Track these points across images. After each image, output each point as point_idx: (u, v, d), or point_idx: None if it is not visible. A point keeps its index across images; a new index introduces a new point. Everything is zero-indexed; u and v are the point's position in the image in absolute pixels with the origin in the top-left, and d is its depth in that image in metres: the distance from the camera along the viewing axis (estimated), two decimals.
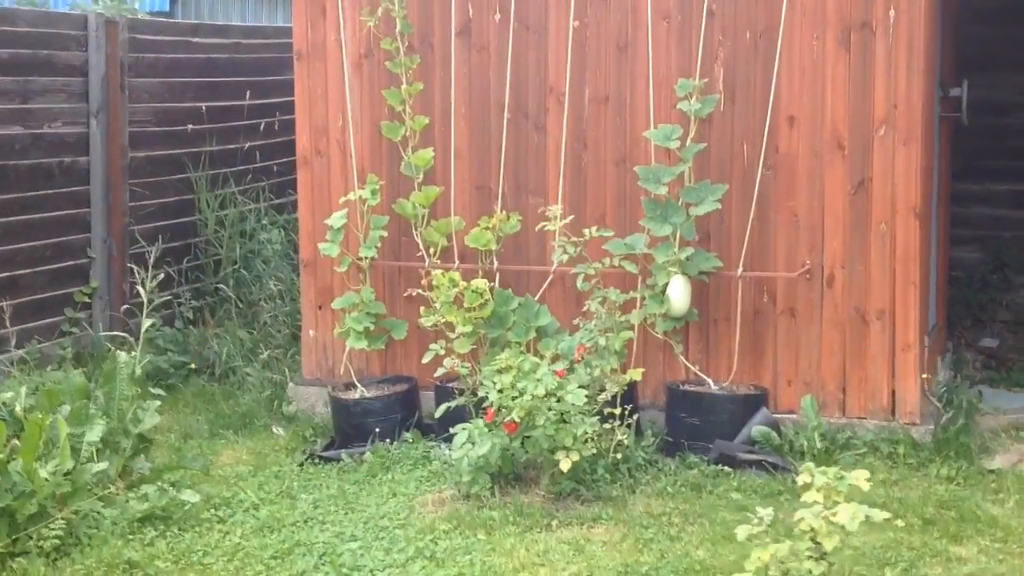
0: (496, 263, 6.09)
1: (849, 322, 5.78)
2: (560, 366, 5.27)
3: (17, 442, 4.65)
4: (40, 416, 4.56)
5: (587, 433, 4.80)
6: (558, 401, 4.84)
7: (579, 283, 5.55)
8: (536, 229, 5.78)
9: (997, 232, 8.49)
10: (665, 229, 5.59)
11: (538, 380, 4.82)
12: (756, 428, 5.51)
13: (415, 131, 6.13)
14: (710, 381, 5.78)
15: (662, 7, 5.92)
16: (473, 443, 4.88)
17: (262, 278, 7.76)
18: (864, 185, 5.71)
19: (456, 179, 6.31)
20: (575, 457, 4.75)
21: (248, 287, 7.77)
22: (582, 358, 5.38)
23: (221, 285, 7.64)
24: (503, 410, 4.86)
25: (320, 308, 6.63)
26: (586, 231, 5.61)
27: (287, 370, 6.94)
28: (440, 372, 5.58)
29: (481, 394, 5.16)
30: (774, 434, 5.50)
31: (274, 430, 6.42)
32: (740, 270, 5.74)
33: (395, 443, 5.85)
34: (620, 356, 5.37)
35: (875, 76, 5.66)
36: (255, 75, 8.47)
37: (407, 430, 5.93)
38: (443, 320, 5.74)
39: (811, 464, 3.49)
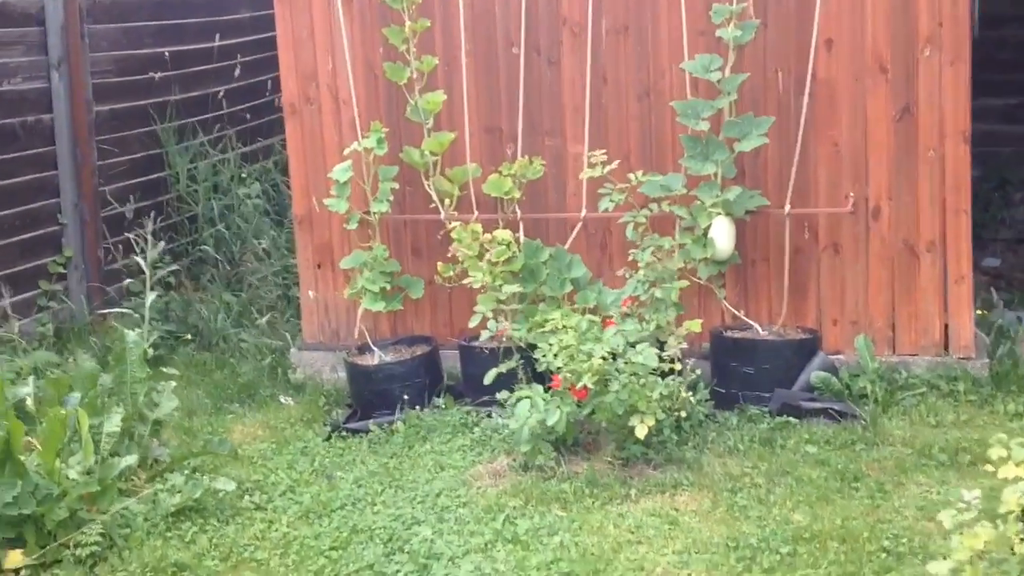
0: (519, 212, 5.67)
1: (897, 256, 5.49)
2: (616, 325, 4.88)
3: (32, 439, 4.16)
4: (59, 409, 4.06)
5: (663, 395, 4.44)
6: (626, 363, 4.48)
7: (628, 232, 5.15)
8: (580, 177, 5.34)
9: (994, 148, 8.30)
10: (708, 167, 5.22)
11: (601, 341, 4.44)
12: (815, 374, 5.21)
13: (422, 72, 5.64)
14: (757, 326, 5.46)
15: None
16: (536, 410, 4.50)
17: (243, 236, 7.24)
18: (909, 110, 5.39)
19: (463, 122, 5.86)
20: (651, 421, 4.39)
21: (228, 246, 7.25)
22: (631, 311, 5.01)
23: (205, 247, 7.08)
24: (569, 375, 4.48)
25: (319, 267, 6.16)
26: (631, 176, 5.20)
27: (287, 335, 6.48)
28: (486, 336, 5.16)
29: (539, 357, 4.76)
30: (833, 379, 5.21)
31: (282, 400, 5.97)
32: (788, 207, 5.39)
33: (425, 409, 5.45)
34: (678, 308, 5.01)
35: None
36: (213, 14, 7.86)
37: (437, 395, 5.53)
38: (466, 277, 5.33)
39: (1003, 436, 3.13)
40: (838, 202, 5.51)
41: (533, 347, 5.01)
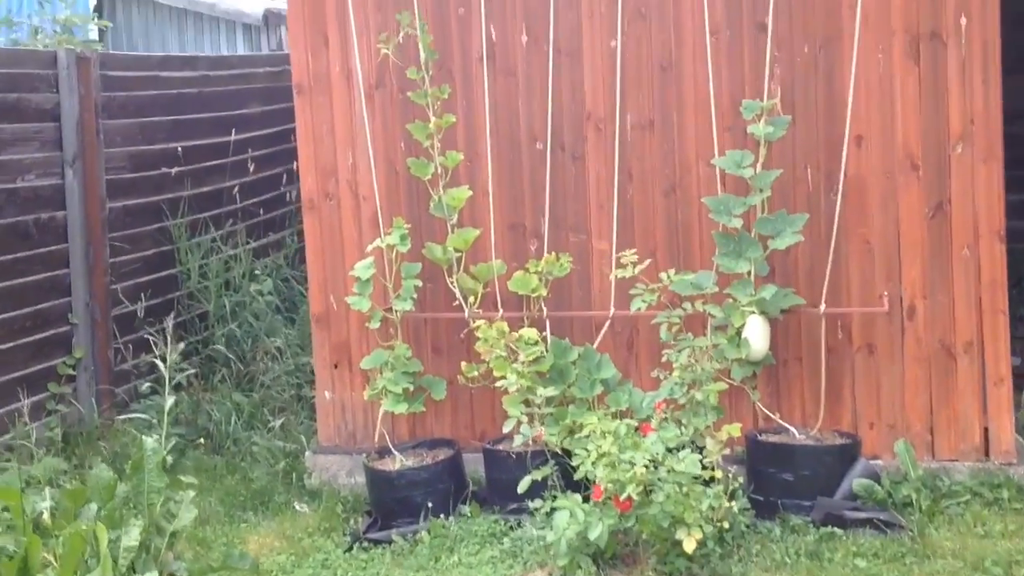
0: (545, 310, 5.53)
1: (934, 357, 5.35)
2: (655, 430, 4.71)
3: (47, 555, 3.95)
4: (79, 525, 3.86)
5: (712, 507, 4.26)
6: (669, 471, 4.30)
7: (663, 333, 5.00)
8: (610, 278, 5.20)
9: (1010, 244, 8.19)
10: (741, 265, 5.10)
11: (641, 448, 4.27)
12: (856, 481, 5.03)
13: (447, 168, 5.54)
14: (793, 429, 5.29)
15: (709, 21, 5.44)
16: (575, 522, 4.30)
17: (255, 334, 7.08)
18: (942, 208, 5.30)
19: (488, 219, 5.75)
20: (698, 535, 4.21)
21: (239, 345, 7.08)
22: (667, 414, 4.85)
23: (218, 346, 6.91)
24: (611, 485, 4.30)
25: (336, 367, 6.00)
26: (663, 275, 5.08)
27: (301, 437, 6.29)
28: (519, 440, 4.97)
29: (576, 465, 4.58)
30: (877, 487, 5.02)
31: (297, 507, 5.76)
32: (823, 306, 5.26)
33: (450, 517, 5.24)
34: (718, 412, 4.85)
35: (949, 89, 5.25)
36: (226, 109, 7.80)
37: (462, 502, 5.33)
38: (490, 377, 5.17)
39: None
40: (871, 301, 5.39)
41: (567, 453, 4.83)
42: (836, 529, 4.84)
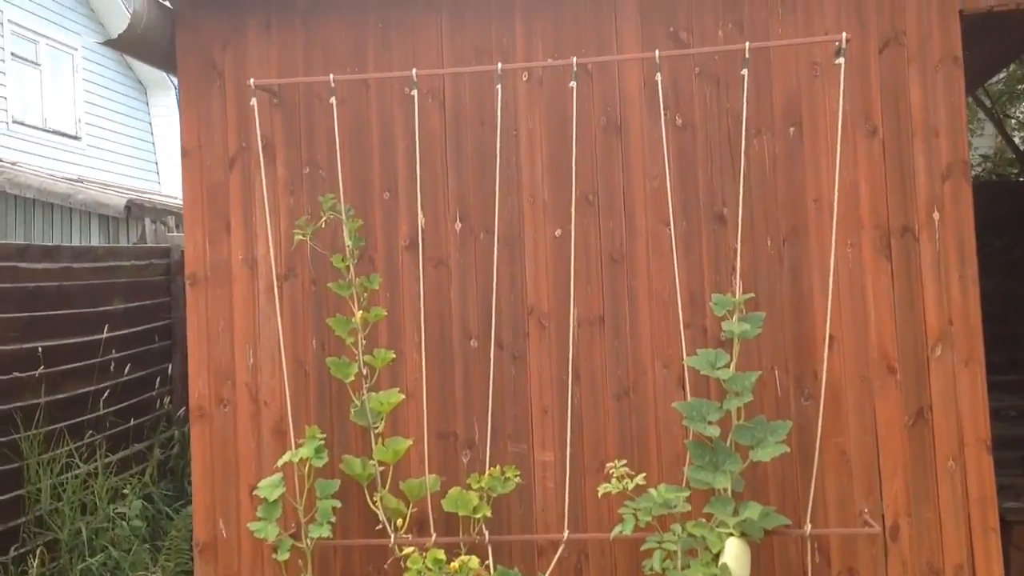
0: (487, 533, 4.74)
1: None
2: None
3: None
4: None
5: None
6: None
7: (656, 563, 4.25)
8: (599, 494, 4.44)
9: None
10: (720, 480, 4.45)
11: None
12: None
13: (373, 368, 4.80)
14: None
15: (663, 212, 4.97)
16: None
17: (117, 566, 5.99)
18: (923, 415, 4.82)
19: (412, 426, 5.00)
20: None
21: None
22: None
23: None
24: None
25: None
26: (653, 491, 4.36)
27: None
28: None
29: None
30: None
31: None
32: (808, 527, 4.64)
33: None
34: None
35: (924, 286, 4.86)
36: (88, 305, 6.90)
37: None
38: None
39: None
40: (849, 519, 4.81)
41: None
42: None
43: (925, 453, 4.81)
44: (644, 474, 4.31)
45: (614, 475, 4.21)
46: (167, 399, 7.28)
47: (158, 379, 7.26)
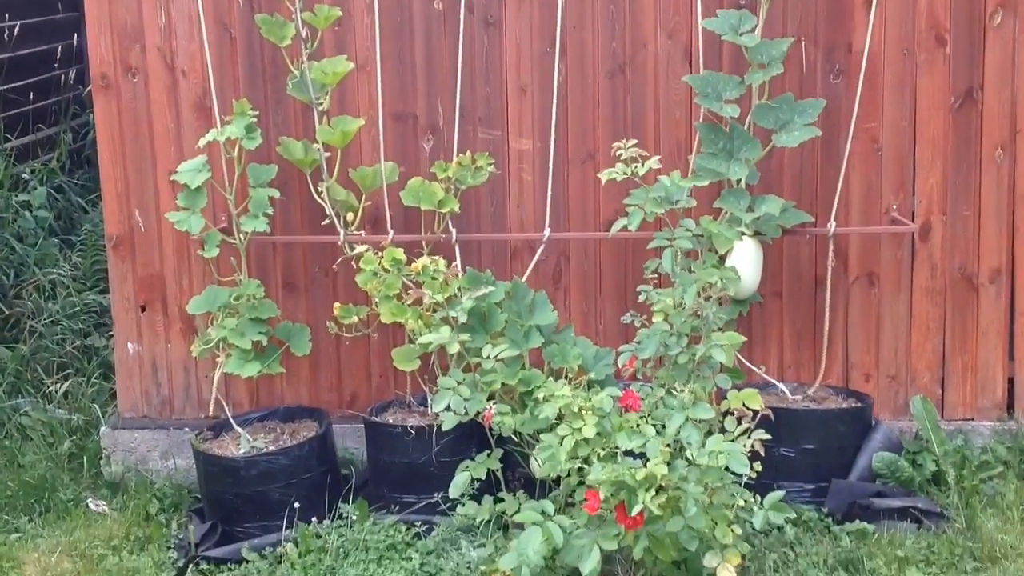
0: (454, 232, 4.00)
1: (951, 288, 4.17)
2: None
3: None
4: None
5: (764, 521, 2.89)
6: (693, 466, 2.90)
7: (667, 263, 3.52)
8: (602, 181, 3.58)
9: None
10: (735, 170, 3.70)
11: (661, 435, 2.85)
12: (878, 456, 3.80)
13: (315, 29, 3.89)
14: (784, 388, 4.00)
15: None
16: (550, 544, 2.86)
17: (21, 261, 5.23)
18: (972, 96, 4.07)
19: (363, 105, 4.17)
20: (736, 559, 2.85)
21: None
22: (640, 377, 3.45)
23: None
24: (611, 492, 2.86)
25: (144, 309, 4.33)
26: (664, 179, 3.55)
27: (95, 407, 4.58)
28: (451, 422, 3.41)
29: (541, 458, 3.11)
30: (902, 462, 3.80)
31: (92, 506, 4.13)
32: (832, 225, 3.95)
33: (325, 521, 3.72)
34: (736, 375, 3.48)
35: None
36: None
37: (341, 498, 3.81)
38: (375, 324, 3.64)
39: None
40: (873, 217, 4.14)
41: (520, 436, 3.36)
42: (864, 524, 3.60)
43: (970, 141, 4.10)
44: (659, 156, 3.52)
45: (622, 157, 3.42)
46: (71, 76, 6.29)
47: (59, 52, 6.24)
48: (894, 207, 4.12)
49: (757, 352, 4.20)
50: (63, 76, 6.32)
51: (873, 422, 3.97)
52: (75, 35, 6.28)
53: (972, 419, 4.21)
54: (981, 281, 4.16)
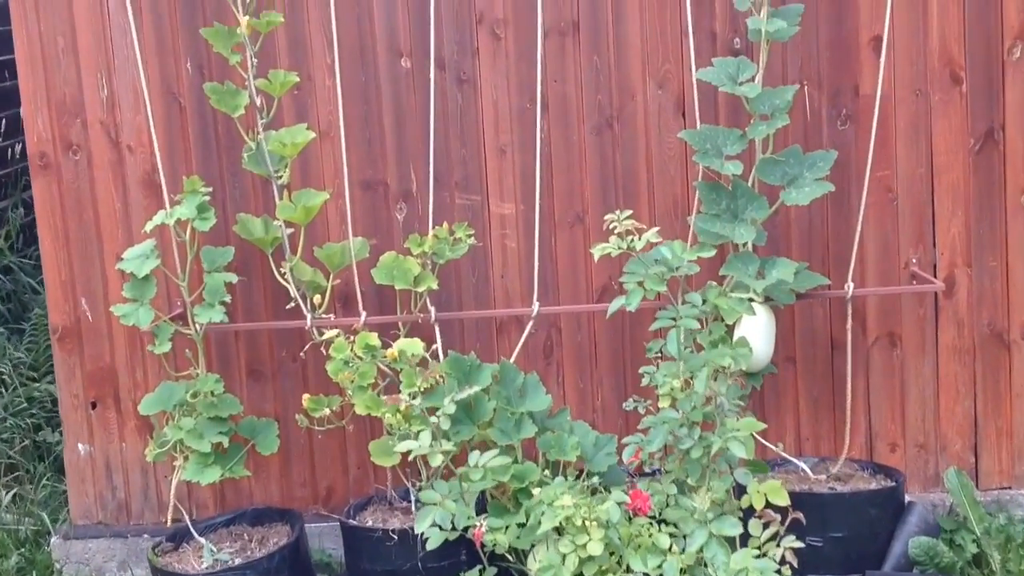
0: (433, 311, 3.62)
1: (980, 346, 3.80)
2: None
3: None
4: None
5: None
6: None
7: (671, 347, 3.11)
8: (595, 257, 3.15)
9: None
10: (741, 232, 3.32)
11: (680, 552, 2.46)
12: (914, 541, 3.42)
13: (271, 97, 3.52)
14: (805, 467, 3.61)
15: None
16: None
17: None
18: (993, 136, 3.72)
19: (328, 175, 3.80)
20: None
21: None
22: (647, 469, 3.06)
23: None
24: None
25: (94, 406, 3.93)
26: (664, 249, 3.14)
27: (42, 514, 4.17)
28: (437, 540, 3.01)
29: (535, 574, 2.72)
30: (940, 546, 3.42)
31: None
32: (850, 287, 3.58)
33: None
34: (758, 468, 3.09)
35: None
36: None
37: None
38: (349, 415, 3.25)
39: None
40: (891, 274, 3.78)
41: (515, 552, 2.96)
42: None
43: (992, 185, 3.75)
44: (658, 228, 3.14)
45: (616, 230, 3.04)
46: (18, 149, 5.91)
47: (3, 123, 5.86)
48: (914, 260, 3.76)
49: (771, 423, 3.82)
50: (9, 148, 5.93)
51: (906, 501, 3.58)
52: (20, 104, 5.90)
53: (1010, 487, 3.84)
54: (1013, 337, 3.80)
